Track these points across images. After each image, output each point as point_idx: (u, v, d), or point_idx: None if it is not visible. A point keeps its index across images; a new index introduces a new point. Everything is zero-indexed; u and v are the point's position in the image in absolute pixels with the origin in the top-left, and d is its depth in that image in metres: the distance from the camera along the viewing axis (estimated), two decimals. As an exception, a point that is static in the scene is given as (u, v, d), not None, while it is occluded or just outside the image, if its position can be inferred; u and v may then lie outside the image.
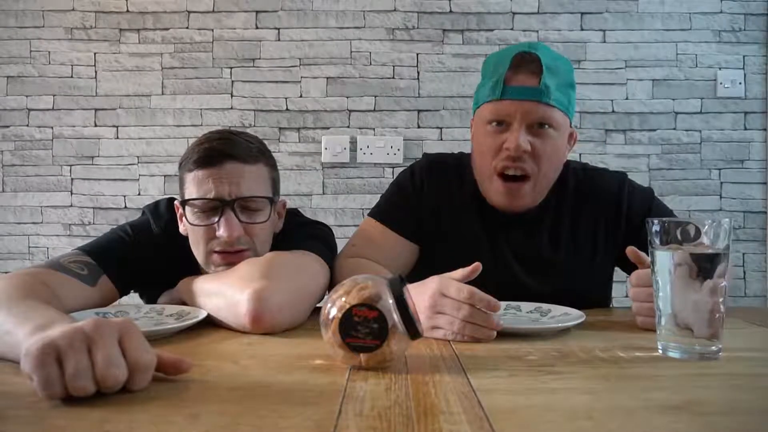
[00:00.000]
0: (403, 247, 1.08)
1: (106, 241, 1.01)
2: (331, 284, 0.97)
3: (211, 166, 0.92)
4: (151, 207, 1.11)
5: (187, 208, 0.95)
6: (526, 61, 0.93)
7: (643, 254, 0.82)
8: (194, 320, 0.80)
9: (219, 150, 0.93)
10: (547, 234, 1.06)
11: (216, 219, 0.92)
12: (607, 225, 1.06)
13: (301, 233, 1.04)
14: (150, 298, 1.11)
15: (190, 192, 0.94)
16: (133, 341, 0.52)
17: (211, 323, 0.84)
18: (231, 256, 0.92)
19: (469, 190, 1.08)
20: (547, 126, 0.95)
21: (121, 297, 1.00)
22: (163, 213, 1.07)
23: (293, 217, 1.11)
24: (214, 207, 0.92)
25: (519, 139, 0.93)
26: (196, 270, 0.99)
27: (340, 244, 1.14)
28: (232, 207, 0.91)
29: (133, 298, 1.20)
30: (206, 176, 0.92)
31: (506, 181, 0.98)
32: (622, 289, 2.09)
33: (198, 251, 0.95)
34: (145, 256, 1.00)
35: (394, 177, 1.22)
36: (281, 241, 1.01)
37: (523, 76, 0.93)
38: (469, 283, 0.76)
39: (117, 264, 0.96)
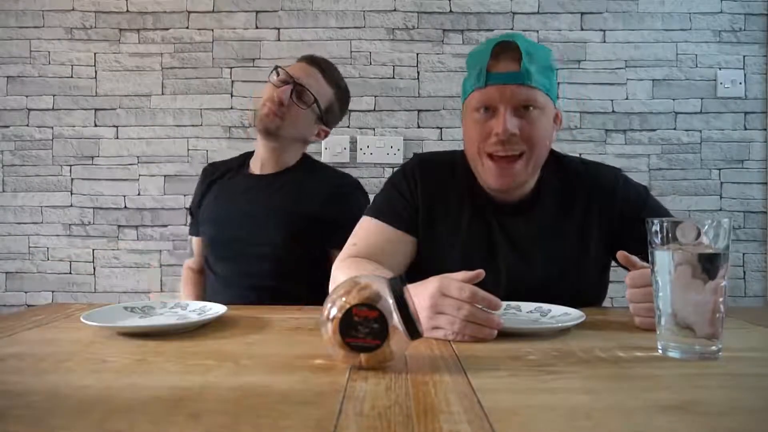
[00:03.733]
0: (402, 241, 1.08)
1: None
2: (332, 285, 0.98)
3: (300, 61, 1.44)
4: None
5: None
6: (505, 49, 0.97)
7: (633, 257, 0.83)
8: (215, 315, 0.85)
9: (316, 58, 1.44)
10: (541, 222, 1.06)
11: None
12: (600, 215, 1.06)
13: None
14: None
15: None
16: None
17: (211, 323, 0.84)
18: (270, 113, 1.32)
19: (462, 183, 1.09)
20: (531, 107, 0.97)
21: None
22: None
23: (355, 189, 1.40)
24: (283, 81, 1.36)
25: (506, 123, 0.95)
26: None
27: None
28: (291, 84, 1.33)
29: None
30: (295, 66, 1.41)
31: (498, 161, 0.99)
32: (622, 289, 2.09)
33: None
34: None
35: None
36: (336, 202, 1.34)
37: (504, 63, 0.96)
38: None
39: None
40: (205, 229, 1.41)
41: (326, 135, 1.44)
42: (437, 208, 1.09)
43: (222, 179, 1.44)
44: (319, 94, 1.35)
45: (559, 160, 1.11)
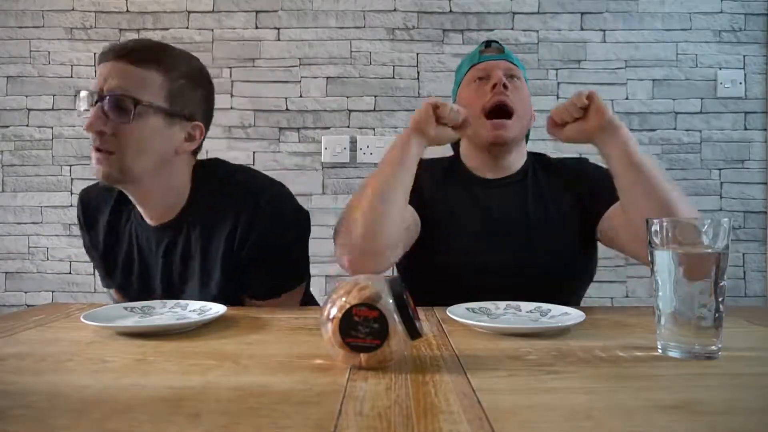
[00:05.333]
0: (412, 214, 1.09)
1: None
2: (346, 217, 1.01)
3: (103, 61, 0.95)
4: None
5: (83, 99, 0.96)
6: (491, 45, 1.24)
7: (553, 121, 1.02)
8: (215, 315, 0.84)
9: (116, 48, 0.94)
10: (528, 194, 1.16)
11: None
12: (574, 192, 1.16)
13: (271, 250, 1.01)
14: None
15: None
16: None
17: (212, 323, 0.84)
18: (97, 153, 0.94)
19: (451, 171, 1.22)
20: (515, 77, 1.17)
21: None
22: None
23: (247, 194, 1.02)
24: (93, 101, 0.93)
25: (499, 75, 1.13)
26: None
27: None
28: (101, 100, 0.92)
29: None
30: (99, 72, 0.95)
31: (494, 119, 1.13)
32: (622, 289, 2.09)
33: None
34: None
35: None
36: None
37: (491, 52, 1.22)
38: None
39: None
40: (124, 287, 1.12)
41: (202, 133, 1.03)
42: (432, 193, 1.18)
43: (114, 228, 1.10)
44: (143, 88, 0.93)
45: (533, 155, 1.26)
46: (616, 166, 0.96)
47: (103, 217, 1.11)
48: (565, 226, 1.13)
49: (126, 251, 1.09)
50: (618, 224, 1.02)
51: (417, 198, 1.08)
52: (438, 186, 1.19)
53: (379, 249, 0.97)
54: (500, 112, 1.12)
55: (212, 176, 1.06)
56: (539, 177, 1.20)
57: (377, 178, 1.00)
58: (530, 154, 1.25)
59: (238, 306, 1.01)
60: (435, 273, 1.11)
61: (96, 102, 0.92)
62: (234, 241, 1.00)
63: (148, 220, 1.05)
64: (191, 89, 1.00)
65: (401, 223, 1.01)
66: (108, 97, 0.91)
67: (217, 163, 1.12)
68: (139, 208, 1.05)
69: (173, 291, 1.06)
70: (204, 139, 1.06)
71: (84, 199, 1.14)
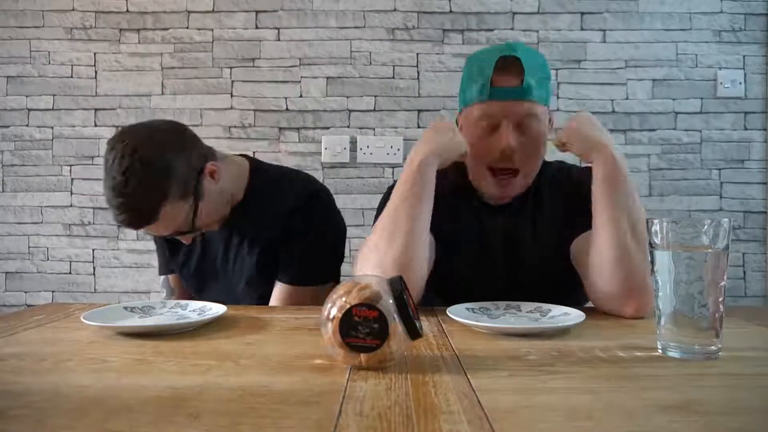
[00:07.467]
0: None
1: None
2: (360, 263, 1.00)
3: (136, 229, 1.09)
4: None
5: None
6: (508, 63, 1.01)
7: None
8: (215, 315, 0.84)
9: (128, 222, 1.04)
10: (531, 218, 1.12)
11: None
12: (572, 208, 1.08)
13: (306, 240, 1.19)
14: None
15: None
16: None
17: (211, 323, 0.84)
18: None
19: (455, 186, 1.15)
20: (530, 119, 1.03)
21: None
22: None
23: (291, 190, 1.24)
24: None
25: (509, 139, 1.01)
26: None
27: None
28: (174, 237, 1.15)
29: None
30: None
31: (498, 175, 1.07)
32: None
33: None
34: None
35: (394, 179, 1.23)
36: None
37: (507, 78, 1.01)
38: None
39: None
40: (189, 281, 1.33)
41: (215, 164, 1.13)
42: (436, 208, 1.10)
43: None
44: (176, 219, 1.07)
45: (544, 165, 1.15)
46: (593, 193, 0.98)
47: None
48: (560, 254, 1.07)
49: (193, 254, 1.30)
50: (585, 250, 0.98)
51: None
52: (445, 206, 1.11)
53: (417, 284, 0.95)
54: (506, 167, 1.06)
55: (265, 176, 1.26)
56: (543, 197, 1.13)
57: (408, 218, 0.94)
58: (544, 166, 1.14)
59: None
60: (428, 293, 1.04)
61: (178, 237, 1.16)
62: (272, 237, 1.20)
63: None
64: (183, 168, 1.06)
65: (428, 254, 0.99)
66: (174, 235, 1.14)
67: (268, 166, 1.31)
68: None
69: (226, 268, 1.26)
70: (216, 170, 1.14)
71: None
